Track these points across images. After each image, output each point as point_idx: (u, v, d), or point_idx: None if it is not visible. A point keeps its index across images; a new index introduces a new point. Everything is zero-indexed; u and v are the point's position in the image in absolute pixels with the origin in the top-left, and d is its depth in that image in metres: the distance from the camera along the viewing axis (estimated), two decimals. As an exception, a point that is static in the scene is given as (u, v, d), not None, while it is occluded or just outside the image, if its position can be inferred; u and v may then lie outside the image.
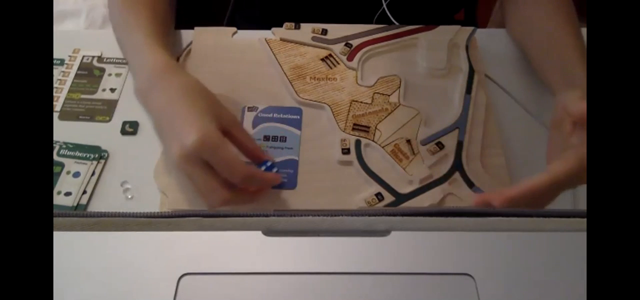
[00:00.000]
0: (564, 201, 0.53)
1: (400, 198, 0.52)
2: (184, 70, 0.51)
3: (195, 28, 0.65)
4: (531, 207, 0.42)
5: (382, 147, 0.55)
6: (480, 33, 0.66)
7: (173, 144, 0.44)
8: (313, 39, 0.64)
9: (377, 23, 0.68)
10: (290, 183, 0.53)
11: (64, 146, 0.56)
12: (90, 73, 0.63)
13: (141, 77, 0.50)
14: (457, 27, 0.65)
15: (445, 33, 0.64)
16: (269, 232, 0.34)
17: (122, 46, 0.56)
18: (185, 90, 0.47)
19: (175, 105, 0.46)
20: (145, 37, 0.52)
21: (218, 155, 0.43)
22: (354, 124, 0.56)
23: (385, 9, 0.66)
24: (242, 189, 0.47)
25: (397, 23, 0.66)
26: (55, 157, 0.55)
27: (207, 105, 0.47)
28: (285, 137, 0.56)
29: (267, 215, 0.38)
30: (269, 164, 0.50)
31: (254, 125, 0.57)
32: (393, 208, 0.51)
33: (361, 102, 0.58)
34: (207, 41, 0.64)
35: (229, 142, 0.47)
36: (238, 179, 0.44)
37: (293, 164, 0.54)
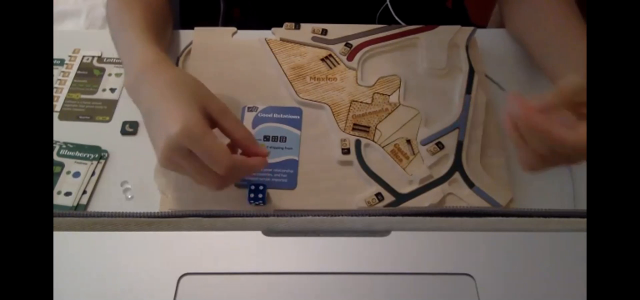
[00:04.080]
0: (564, 201, 0.53)
1: (400, 198, 0.52)
2: (172, 64, 0.51)
3: (195, 28, 0.65)
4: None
5: (382, 147, 0.55)
6: (480, 33, 0.66)
7: (159, 137, 0.44)
8: (313, 39, 0.64)
9: (379, 21, 0.68)
10: (290, 183, 0.53)
11: (64, 146, 0.56)
12: (90, 73, 0.63)
13: (130, 73, 0.50)
14: (457, 27, 0.65)
15: (445, 33, 0.64)
16: (269, 232, 0.34)
17: (116, 44, 0.56)
18: (171, 83, 0.47)
19: (161, 100, 0.46)
20: (137, 34, 0.52)
21: (201, 145, 0.43)
22: (354, 124, 0.56)
23: (389, 5, 0.66)
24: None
25: (400, 20, 0.66)
26: (55, 157, 0.55)
27: (192, 96, 0.46)
28: (285, 137, 0.56)
29: (267, 215, 0.38)
30: (261, 188, 0.51)
31: (254, 125, 0.57)
32: (393, 208, 0.51)
33: (361, 102, 0.58)
34: (207, 41, 0.64)
35: (214, 131, 0.46)
36: (221, 170, 0.43)
37: (293, 164, 0.54)
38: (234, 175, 0.47)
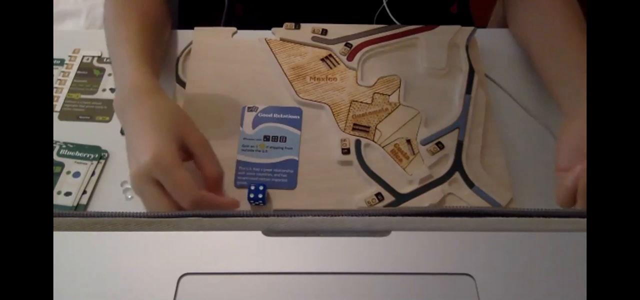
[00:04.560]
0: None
1: (400, 198, 0.52)
2: (158, 92, 0.51)
3: (195, 28, 0.65)
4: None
5: (382, 147, 0.55)
6: (480, 33, 0.66)
7: (132, 163, 0.45)
8: (313, 39, 0.64)
9: (377, 22, 0.68)
10: (290, 183, 0.53)
11: (64, 146, 0.56)
12: (90, 73, 0.63)
13: (119, 94, 0.51)
14: (457, 27, 0.65)
15: (445, 33, 0.64)
16: (269, 232, 0.34)
17: (110, 56, 0.56)
18: (154, 112, 0.47)
19: (140, 127, 0.46)
20: (130, 52, 0.52)
21: (169, 176, 0.43)
22: (354, 124, 0.56)
23: (386, 7, 0.66)
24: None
25: (397, 22, 0.66)
26: (55, 157, 0.55)
27: (170, 127, 0.46)
28: (285, 137, 0.56)
29: (267, 215, 0.38)
30: (261, 188, 0.51)
31: (254, 125, 0.57)
32: (393, 208, 0.51)
33: (361, 102, 0.58)
34: (207, 41, 0.64)
35: (184, 164, 0.45)
36: (186, 204, 0.43)
37: (293, 164, 0.54)
38: (202, 210, 0.45)
